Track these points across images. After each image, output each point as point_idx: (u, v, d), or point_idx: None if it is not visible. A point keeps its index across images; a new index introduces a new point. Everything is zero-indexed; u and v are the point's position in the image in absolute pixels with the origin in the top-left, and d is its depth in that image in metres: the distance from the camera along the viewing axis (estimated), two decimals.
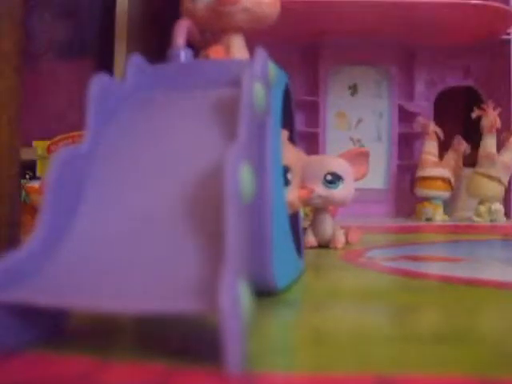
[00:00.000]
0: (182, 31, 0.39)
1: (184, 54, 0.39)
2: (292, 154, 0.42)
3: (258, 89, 0.30)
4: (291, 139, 0.43)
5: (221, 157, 0.25)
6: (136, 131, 0.32)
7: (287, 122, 0.40)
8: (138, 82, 0.35)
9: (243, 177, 0.24)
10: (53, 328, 0.25)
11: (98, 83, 0.31)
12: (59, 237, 0.26)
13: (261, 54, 0.33)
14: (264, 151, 0.32)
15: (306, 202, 0.58)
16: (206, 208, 0.26)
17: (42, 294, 0.23)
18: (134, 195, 0.28)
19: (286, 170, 0.41)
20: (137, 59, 0.35)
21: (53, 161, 0.27)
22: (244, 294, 0.21)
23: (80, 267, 0.25)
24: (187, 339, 0.25)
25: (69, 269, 0.25)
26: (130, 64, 0.35)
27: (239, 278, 0.21)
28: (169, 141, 0.31)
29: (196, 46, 0.41)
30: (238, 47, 0.43)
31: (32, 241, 0.25)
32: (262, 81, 0.31)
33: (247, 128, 0.27)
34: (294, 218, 0.42)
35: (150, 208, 0.27)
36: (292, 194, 0.41)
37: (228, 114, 0.30)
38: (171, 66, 0.38)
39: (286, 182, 0.41)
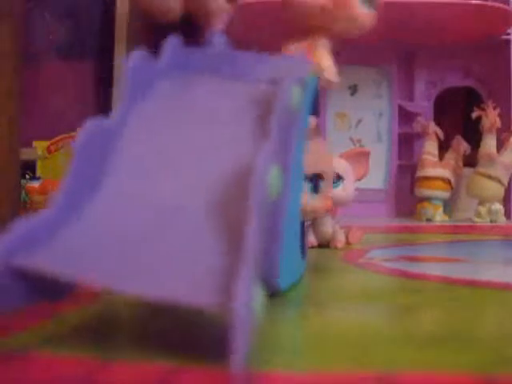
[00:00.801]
0: (222, 18, 0.39)
1: (221, 41, 0.38)
2: (329, 163, 0.41)
3: (296, 92, 0.30)
4: None
5: (250, 155, 0.25)
6: (168, 114, 0.31)
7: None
8: (173, 62, 0.34)
9: (271, 179, 0.24)
10: (56, 293, 0.25)
11: (136, 57, 0.30)
12: (79, 206, 0.26)
13: (302, 57, 0.32)
14: (288, 154, 0.32)
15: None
16: (230, 204, 0.26)
17: (51, 262, 0.23)
18: (159, 181, 0.28)
19: (320, 177, 0.41)
20: (174, 40, 0.35)
21: (81, 130, 0.26)
22: (257, 296, 0.21)
23: (95, 242, 0.25)
24: (189, 338, 0.25)
25: (85, 241, 0.25)
26: (168, 43, 0.34)
27: (255, 280, 0.21)
28: (200, 130, 0.30)
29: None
30: (323, 49, 0.42)
31: (51, 208, 0.24)
32: (300, 84, 0.31)
33: (279, 129, 0.27)
34: (302, 220, 0.42)
35: (174, 196, 0.27)
36: (319, 202, 0.41)
37: (262, 111, 0.30)
38: (209, 51, 0.37)
39: (317, 190, 0.41)
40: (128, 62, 0.30)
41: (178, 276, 0.23)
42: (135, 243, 0.25)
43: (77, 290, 0.26)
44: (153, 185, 0.28)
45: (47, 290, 0.24)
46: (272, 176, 0.24)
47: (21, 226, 0.23)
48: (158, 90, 0.32)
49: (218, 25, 0.38)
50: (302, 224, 0.41)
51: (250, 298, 0.20)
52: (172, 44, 0.35)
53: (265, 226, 0.25)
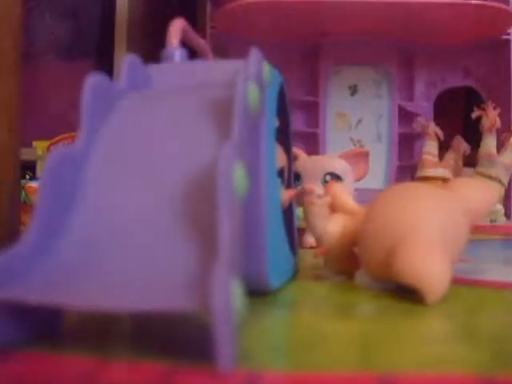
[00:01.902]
0: (176, 31, 0.39)
1: (178, 54, 0.39)
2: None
3: (252, 89, 0.30)
4: (286, 139, 0.43)
5: (214, 156, 0.25)
6: (130, 131, 0.32)
7: (282, 122, 0.40)
8: (132, 81, 0.35)
9: (236, 175, 0.24)
10: (48, 326, 0.25)
11: (92, 83, 0.31)
12: (53, 235, 0.26)
13: (255, 54, 0.33)
14: (258, 151, 0.33)
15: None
16: (200, 207, 0.27)
17: (34, 293, 0.23)
18: (128, 194, 0.28)
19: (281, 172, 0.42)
20: (132, 59, 0.35)
21: (47, 160, 0.27)
22: (236, 293, 0.21)
23: (73, 266, 0.25)
24: (189, 338, 0.25)
25: (62, 267, 0.25)
26: (124, 64, 0.35)
27: (232, 276, 0.21)
28: (163, 140, 0.31)
29: (190, 47, 0.41)
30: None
31: (25, 240, 0.25)
32: (256, 81, 0.31)
33: (241, 127, 0.28)
34: (288, 217, 0.42)
35: (144, 207, 0.28)
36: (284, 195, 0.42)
37: (222, 115, 0.30)
38: (166, 66, 0.38)
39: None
40: (85, 87, 0.30)
41: (157, 286, 0.23)
42: (112, 260, 0.26)
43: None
44: (123, 200, 0.28)
45: (37, 324, 0.24)
46: (237, 172, 0.25)
47: None
48: (118, 110, 0.32)
49: (175, 38, 0.39)
50: (289, 220, 0.41)
51: (228, 297, 0.20)
52: (130, 63, 0.35)
53: (243, 223, 0.25)
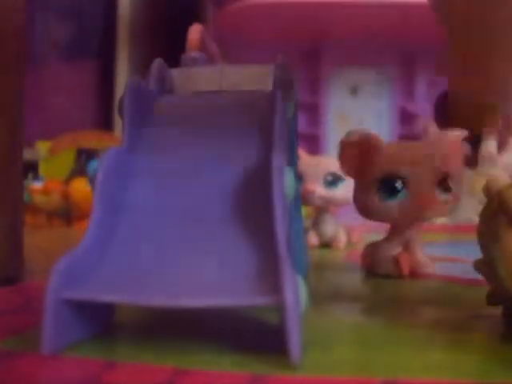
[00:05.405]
0: (196, 36, 0.40)
1: (199, 59, 0.39)
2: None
3: (290, 107, 0.31)
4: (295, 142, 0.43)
5: (261, 159, 0.27)
6: (173, 131, 0.32)
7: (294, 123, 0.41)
8: (160, 85, 0.35)
9: (288, 179, 0.26)
10: (101, 325, 0.26)
11: (132, 86, 0.31)
12: (108, 235, 0.27)
13: (283, 60, 0.34)
14: (290, 159, 0.33)
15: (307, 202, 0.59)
16: (252, 208, 0.27)
17: (106, 291, 0.23)
18: (178, 192, 0.29)
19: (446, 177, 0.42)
20: (160, 63, 0.36)
21: (100, 160, 0.27)
22: (302, 287, 0.22)
23: (130, 265, 0.26)
24: (194, 339, 0.25)
25: (120, 267, 0.26)
26: (154, 67, 0.35)
27: (297, 275, 0.22)
28: (207, 140, 0.31)
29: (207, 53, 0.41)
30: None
31: (85, 241, 0.25)
32: (293, 99, 0.32)
33: (282, 132, 0.28)
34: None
35: (197, 207, 0.28)
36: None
37: (258, 116, 0.31)
38: (188, 70, 0.38)
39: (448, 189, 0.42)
40: (125, 90, 0.31)
41: (224, 283, 0.24)
42: (165, 258, 0.26)
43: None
44: (174, 201, 0.29)
45: (93, 323, 0.25)
46: (288, 177, 0.26)
47: (64, 262, 0.23)
48: (157, 112, 0.33)
49: (195, 43, 0.39)
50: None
51: (297, 292, 0.21)
52: (159, 67, 0.35)
53: (289, 224, 0.27)
